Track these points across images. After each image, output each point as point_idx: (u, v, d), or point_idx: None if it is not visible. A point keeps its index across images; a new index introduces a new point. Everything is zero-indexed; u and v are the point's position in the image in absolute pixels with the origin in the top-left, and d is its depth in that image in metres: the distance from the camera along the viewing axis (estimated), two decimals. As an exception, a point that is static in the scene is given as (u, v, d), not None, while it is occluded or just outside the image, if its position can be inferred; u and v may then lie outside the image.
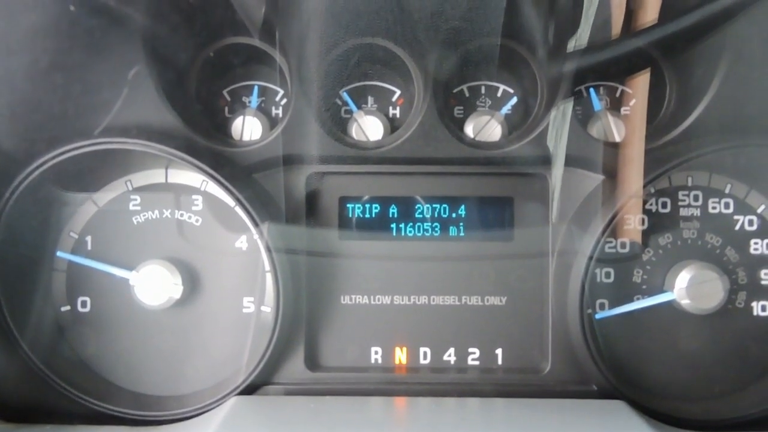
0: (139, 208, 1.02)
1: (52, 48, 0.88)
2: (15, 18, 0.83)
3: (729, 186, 1.02)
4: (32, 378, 0.98)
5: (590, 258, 0.94)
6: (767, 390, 1.00)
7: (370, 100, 1.07)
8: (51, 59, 0.90)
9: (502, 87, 1.07)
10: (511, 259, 1.03)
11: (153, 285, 0.98)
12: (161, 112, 0.97)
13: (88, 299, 1.02)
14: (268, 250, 0.96)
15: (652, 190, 1.02)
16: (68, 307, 1.02)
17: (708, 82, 0.99)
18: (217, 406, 0.96)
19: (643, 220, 1.01)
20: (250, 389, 0.99)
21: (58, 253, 1.01)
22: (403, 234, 1.04)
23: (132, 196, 1.02)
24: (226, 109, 1.07)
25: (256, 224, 0.96)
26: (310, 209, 1.03)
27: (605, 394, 0.97)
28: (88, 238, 1.01)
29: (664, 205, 1.02)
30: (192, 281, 1.00)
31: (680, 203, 1.01)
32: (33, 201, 0.97)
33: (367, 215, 1.04)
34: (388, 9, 0.94)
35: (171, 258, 1.00)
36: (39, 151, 0.92)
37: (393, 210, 1.04)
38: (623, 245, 1.02)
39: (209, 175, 0.95)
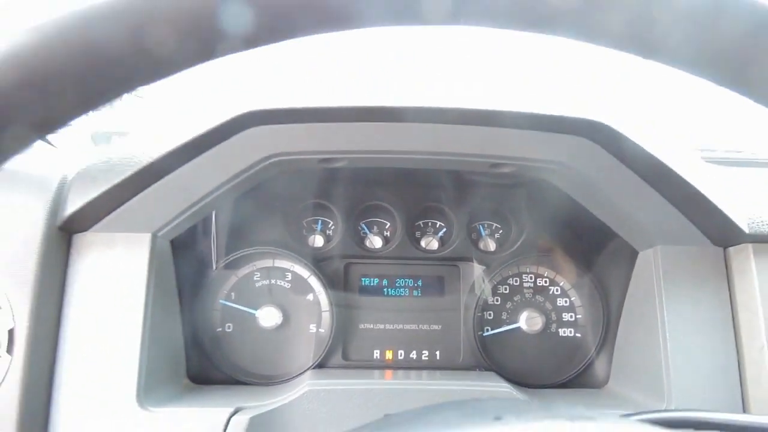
0: (259, 279, 1.59)
1: (242, 206, 1.71)
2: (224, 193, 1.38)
3: (546, 271, 1.66)
4: (206, 362, 1.52)
5: (477, 305, 1.61)
6: (572, 367, 1.58)
7: (375, 227, 1.69)
8: (238, 210, 1.73)
9: (438, 222, 1.71)
10: (443, 307, 1.64)
11: (267, 317, 1.53)
12: (280, 233, 1.63)
13: (231, 324, 1.56)
14: (328, 300, 1.56)
15: (511, 272, 1.68)
16: (221, 329, 1.56)
17: (525, 220, 1.67)
18: (301, 375, 1.47)
19: (506, 288, 1.78)
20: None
21: (220, 300, 1.61)
22: (390, 294, 1.64)
23: (255, 272, 1.59)
24: (304, 230, 1.70)
25: (322, 286, 1.56)
26: (346, 281, 1.63)
27: (488, 370, 1.56)
28: (233, 293, 1.58)
29: (516, 281, 1.67)
30: (286, 316, 1.55)
31: (523, 280, 1.66)
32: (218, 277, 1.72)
33: (372, 284, 1.65)
34: (387, 185, 1.68)
35: (276, 303, 1.55)
36: (229, 251, 1.72)
37: (385, 282, 1.65)
38: (497, 300, 1.68)
39: (297, 261, 1.58)
